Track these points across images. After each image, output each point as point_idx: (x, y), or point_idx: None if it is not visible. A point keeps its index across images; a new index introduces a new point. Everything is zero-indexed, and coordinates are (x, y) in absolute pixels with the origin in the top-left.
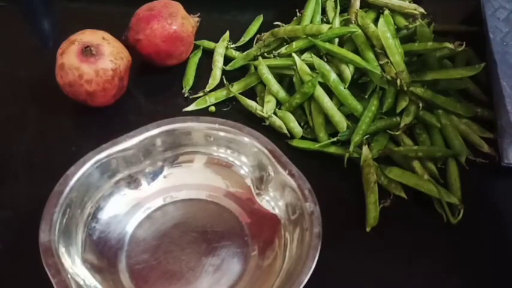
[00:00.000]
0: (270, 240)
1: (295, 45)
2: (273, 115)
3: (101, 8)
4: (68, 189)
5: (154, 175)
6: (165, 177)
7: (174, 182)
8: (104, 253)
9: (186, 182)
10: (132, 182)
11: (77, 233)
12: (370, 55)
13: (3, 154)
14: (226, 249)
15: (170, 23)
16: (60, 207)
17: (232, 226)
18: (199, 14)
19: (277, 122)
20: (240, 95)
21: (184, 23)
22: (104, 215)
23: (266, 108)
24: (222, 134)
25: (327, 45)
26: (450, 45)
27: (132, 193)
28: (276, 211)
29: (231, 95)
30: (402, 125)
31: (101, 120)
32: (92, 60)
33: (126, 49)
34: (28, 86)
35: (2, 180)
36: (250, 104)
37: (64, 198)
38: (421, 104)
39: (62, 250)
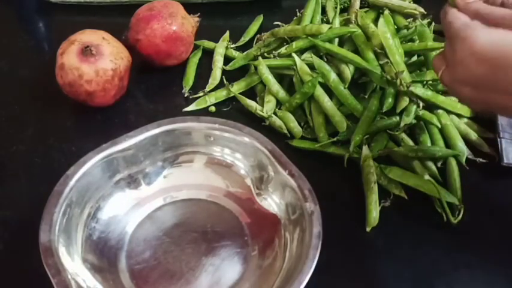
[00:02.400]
0: (270, 240)
1: (295, 45)
2: (273, 115)
3: (101, 8)
4: (68, 189)
5: (155, 175)
6: (165, 177)
7: (174, 182)
8: (104, 253)
9: (186, 182)
10: (132, 182)
11: (77, 233)
12: (370, 55)
13: (3, 154)
14: (226, 249)
15: (170, 23)
16: (60, 207)
17: (232, 226)
18: (199, 14)
19: (277, 122)
20: (240, 95)
21: (184, 23)
22: (104, 215)
23: (266, 108)
24: (222, 134)
25: (327, 45)
26: None
27: (132, 193)
28: (276, 211)
29: (231, 95)
30: (402, 125)
31: (101, 120)
32: (92, 60)
33: (126, 49)
34: (28, 86)
35: (2, 180)
36: (250, 104)
37: (64, 198)
38: (421, 104)
39: (62, 250)
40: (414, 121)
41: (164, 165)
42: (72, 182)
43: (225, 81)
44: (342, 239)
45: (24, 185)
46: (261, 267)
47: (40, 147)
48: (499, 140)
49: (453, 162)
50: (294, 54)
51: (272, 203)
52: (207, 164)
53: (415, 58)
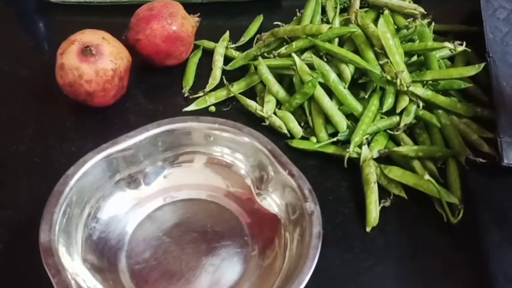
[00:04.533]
0: (270, 240)
1: (295, 45)
2: (273, 115)
3: (101, 8)
4: (68, 189)
5: (155, 175)
6: (165, 177)
7: (174, 182)
8: (104, 253)
9: (186, 182)
10: (132, 182)
11: (77, 233)
12: (370, 55)
13: (3, 154)
14: (226, 249)
15: (170, 23)
16: (60, 207)
17: (232, 226)
18: (199, 14)
19: (277, 122)
20: (240, 95)
21: (184, 23)
22: (104, 215)
23: (266, 108)
24: (222, 134)
25: (327, 45)
26: (450, 45)
27: (132, 193)
28: (276, 211)
29: (231, 95)
30: (402, 125)
31: (101, 120)
32: (92, 60)
33: (126, 49)
34: (28, 86)
35: (2, 180)
36: (250, 104)
37: (64, 198)
38: (421, 104)
39: (62, 250)
40: (414, 121)
41: (164, 165)
42: (72, 182)
43: (225, 81)
44: (342, 239)
45: (24, 185)
46: (261, 267)
47: (40, 147)
48: (498, 140)
49: (453, 162)
50: (293, 54)
51: (272, 203)
52: (207, 164)
53: (415, 58)
